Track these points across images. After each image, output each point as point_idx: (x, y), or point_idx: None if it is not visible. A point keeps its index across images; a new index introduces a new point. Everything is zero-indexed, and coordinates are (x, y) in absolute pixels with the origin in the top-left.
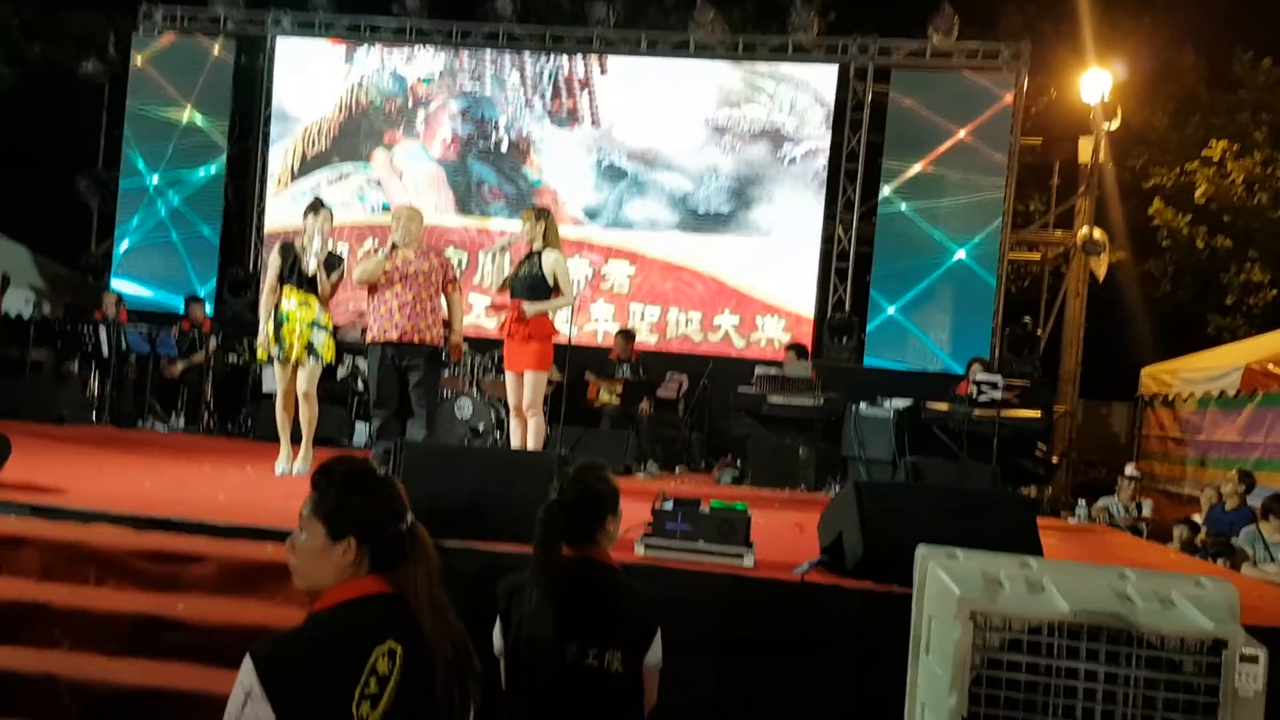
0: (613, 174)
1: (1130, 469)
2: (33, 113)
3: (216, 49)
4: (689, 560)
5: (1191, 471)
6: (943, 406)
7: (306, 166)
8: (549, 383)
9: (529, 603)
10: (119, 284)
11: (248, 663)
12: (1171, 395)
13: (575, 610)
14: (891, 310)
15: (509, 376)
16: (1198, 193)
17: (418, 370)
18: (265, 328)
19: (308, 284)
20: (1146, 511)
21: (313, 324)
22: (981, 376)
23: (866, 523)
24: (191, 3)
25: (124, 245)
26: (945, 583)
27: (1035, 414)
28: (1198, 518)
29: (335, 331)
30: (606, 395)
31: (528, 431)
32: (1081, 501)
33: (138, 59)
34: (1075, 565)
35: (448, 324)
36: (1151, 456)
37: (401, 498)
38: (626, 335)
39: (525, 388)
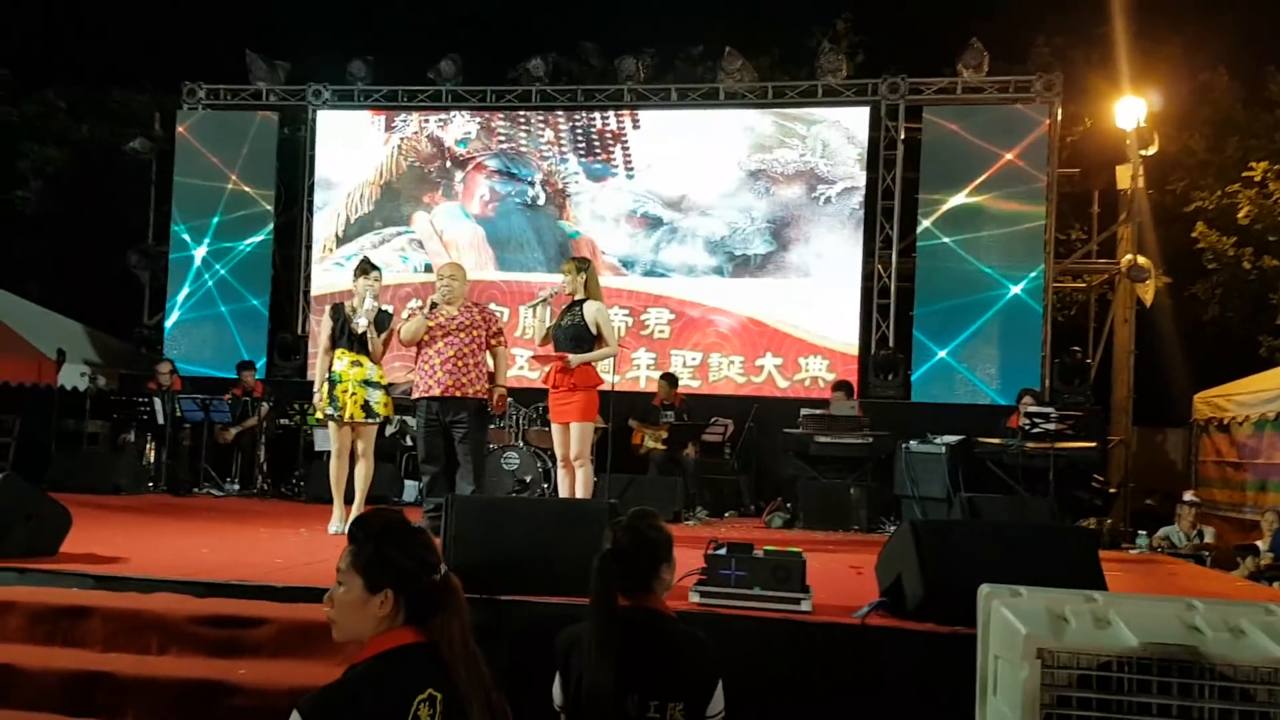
0: (648, 222)
1: (1188, 496)
2: (83, 191)
3: (258, 122)
4: (745, 607)
5: (1252, 496)
6: (995, 441)
7: (350, 231)
8: (594, 430)
9: (588, 655)
10: (175, 351)
11: (295, 718)
12: (1227, 419)
13: (635, 662)
14: (942, 354)
15: (555, 428)
16: (1240, 214)
17: (462, 425)
18: (320, 389)
19: (359, 344)
20: (1208, 538)
21: (365, 382)
22: (1033, 409)
23: (926, 563)
24: (233, 79)
25: (172, 319)
26: (1010, 621)
27: (1090, 445)
28: (1261, 543)
29: (388, 389)
30: (651, 441)
31: (576, 482)
32: (1142, 532)
33: (182, 134)
34: (1141, 598)
35: (492, 377)
36: (1210, 483)
37: (435, 549)
38: (670, 379)
39: (572, 439)
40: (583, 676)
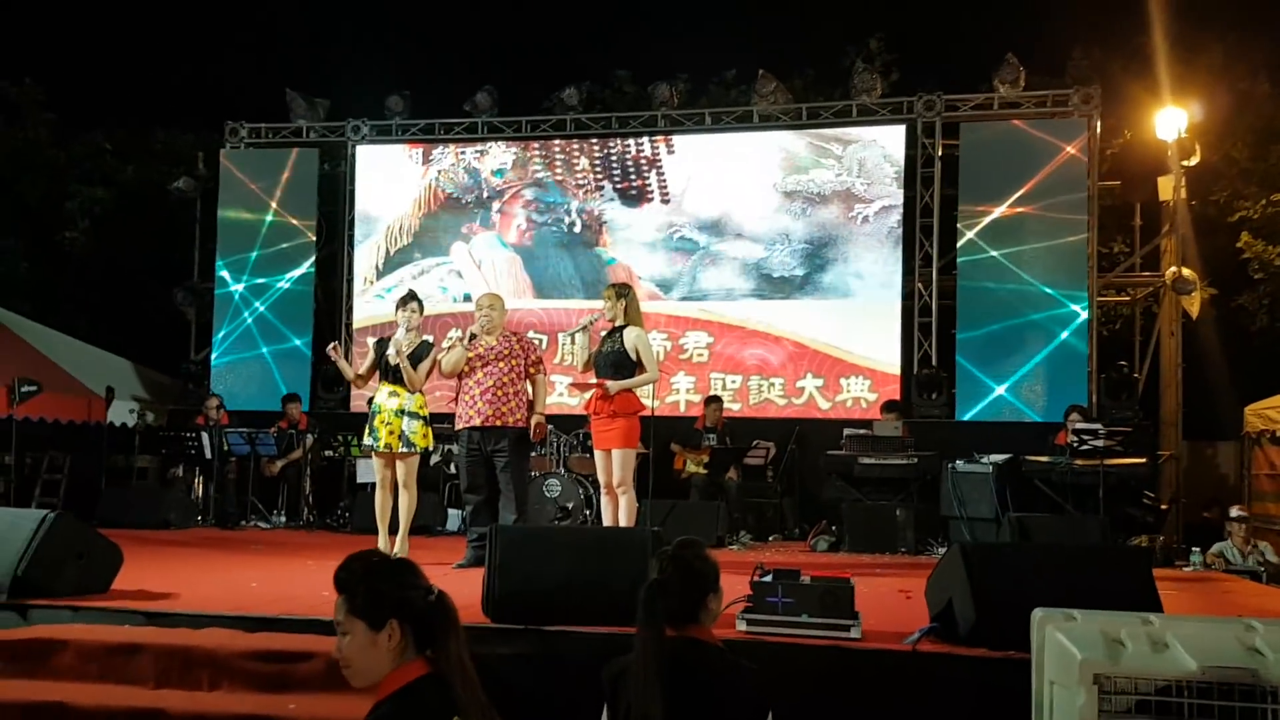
0: (685, 246)
1: (1235, 510)
2: (129, 231)
3: (298, 154)
4: (793, 635)
5: None
6: (1043, 459)
7: (391, 264)
8: (636, 456)
9: (636, 686)
10: (222, 384)
11: None
12: (1279, 432)
13: (683, 692)
14: (999, 389)
15: (598, 455)
16: None
17: (503, 454)
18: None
19: (394, 375)
20: (1270, 555)
21: (402, 412)
22: (1081, 425)
23: (976, 587)
24: (274, 117)
25: (217, 354)
26: (1065, 646)
27: (1140, 460)
28: None
29: (429, 420)
30: (693, 465)
31: (619, 509)
32: (1196, 549)
33: (225, 165)
34: (1199, 620)
35: (531, 406)
36: (1265, 497)
37: (421, 574)
38: (716, 401)
39: (614, 465)
40: (631, 708)
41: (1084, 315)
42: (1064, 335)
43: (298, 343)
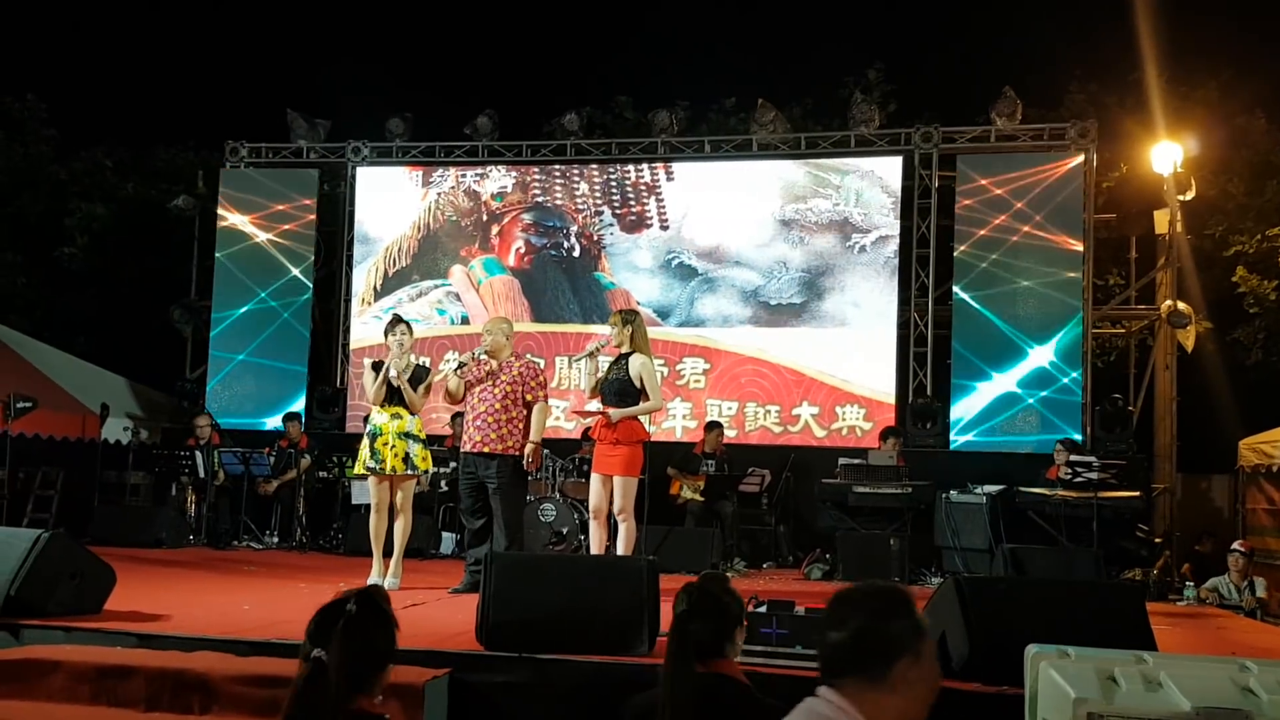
0: (683, 273)
1: (1237, 545)
2: (128, 248)
3: (298, 178)
4: (787, 666)
5: None
6: (1038, 490)
7: (388, 285)
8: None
9: None
10: (217, 403)
11: None
12: (1275, 466)
13: None
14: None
15: (595, 478)
16: None
17: (495, 480)
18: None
19: (394, 397)
20: (1260, 590)
21: (405, 434)
22: (1076, 457)
23: (971, 621)
24: (275, 137)
25: (215, 373)
26: (1059, 683)
27: (1134, 494)
28: None
29: (427, 442)
30: (689, 492)
31: (619, 536)
32: (1190, 583)
33: (223, 189)
34: (1193, 659)
35: (527, 432)
36: (1263, 531)
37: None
38: (717, 427)
39: (615, 493)
40: None
41: (1073, 324)
42: (1040, 347)
43: (293, 355)
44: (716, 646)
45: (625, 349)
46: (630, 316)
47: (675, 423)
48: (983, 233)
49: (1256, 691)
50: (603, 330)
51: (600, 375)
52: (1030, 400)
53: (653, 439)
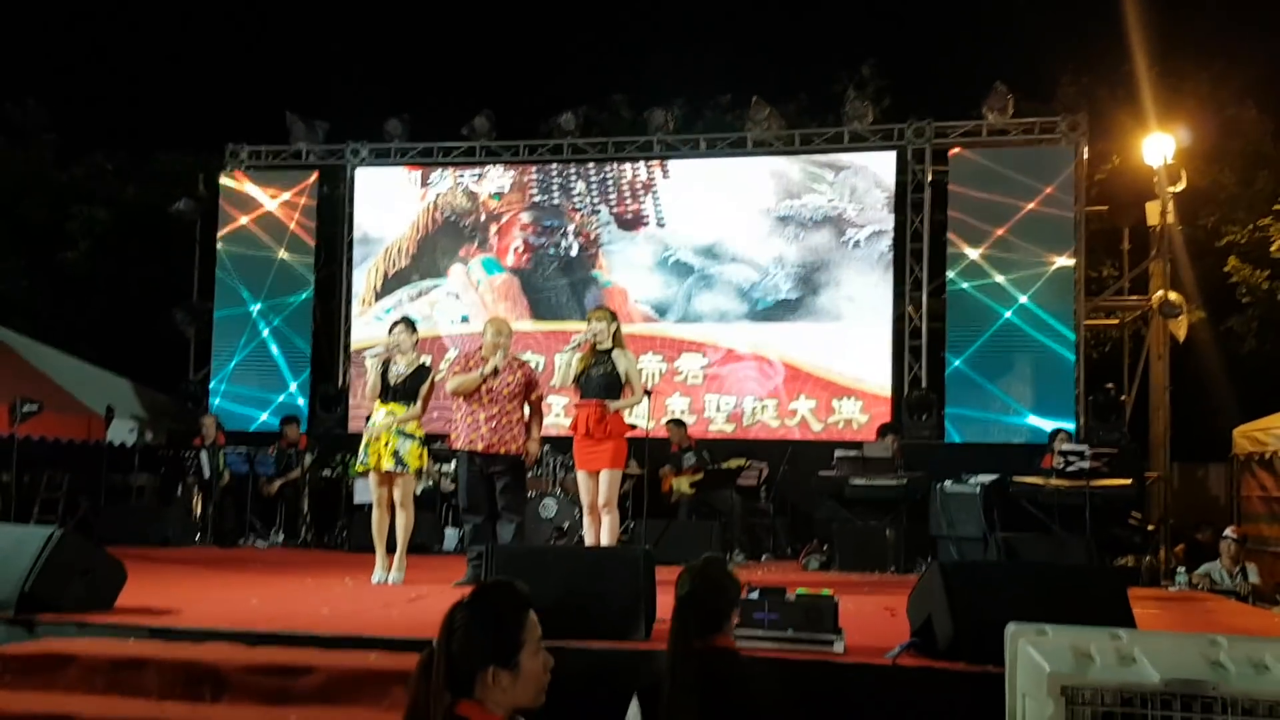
0: (680, 270)
1: (1229, 532)
2: (130, 251)
3: (298, 181)
4: (778, 649)
5: None
6: (1030, 479)
7: (388, 285)
8: (627, 477)
9: (669, 695)
10: (222, 404)
11: None
12: (1269, 454)
13: (714, 703)
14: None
15: (584, 476)
16: (1274, 248)
17: (501, 478)
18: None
19: (396, 395)
20: (1252, 576)
21: (398, 432)
22: (1068, 446)
23: (955, 603)
24: (274, 139)
25: (227, 367)
26: (1035, 659)
27: (1126, 482)
28: None
29: (425, 440)
30: (681, 486)
31: (603, 528)
32: (1181, 569)
33: (224, 192)
34: (1167, 635)
35: (528, 431)
36: (1257, 518)
37: None
38: (679, 424)
39: (602, 485)
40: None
41: (1065, 316)
42: (1046, 334)
43: (300, 345)
44: (715, 623)
45: (605, 345)
46: (614, 314)
47: (673, 418)
48: (976, 224)
49: (1225, 664)
50: (597, 326)
51: (578, 369)
52: (1024, 392)
53: (650, 434)
